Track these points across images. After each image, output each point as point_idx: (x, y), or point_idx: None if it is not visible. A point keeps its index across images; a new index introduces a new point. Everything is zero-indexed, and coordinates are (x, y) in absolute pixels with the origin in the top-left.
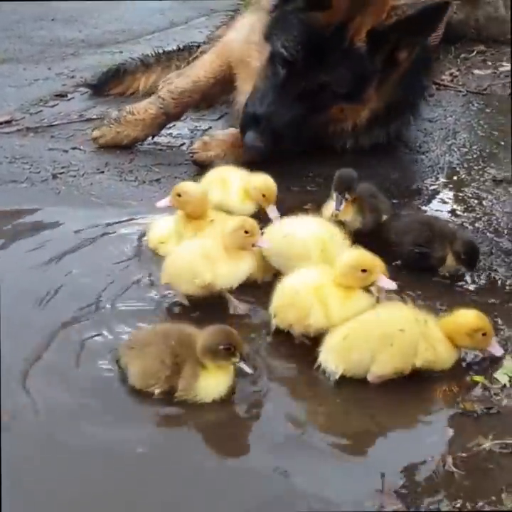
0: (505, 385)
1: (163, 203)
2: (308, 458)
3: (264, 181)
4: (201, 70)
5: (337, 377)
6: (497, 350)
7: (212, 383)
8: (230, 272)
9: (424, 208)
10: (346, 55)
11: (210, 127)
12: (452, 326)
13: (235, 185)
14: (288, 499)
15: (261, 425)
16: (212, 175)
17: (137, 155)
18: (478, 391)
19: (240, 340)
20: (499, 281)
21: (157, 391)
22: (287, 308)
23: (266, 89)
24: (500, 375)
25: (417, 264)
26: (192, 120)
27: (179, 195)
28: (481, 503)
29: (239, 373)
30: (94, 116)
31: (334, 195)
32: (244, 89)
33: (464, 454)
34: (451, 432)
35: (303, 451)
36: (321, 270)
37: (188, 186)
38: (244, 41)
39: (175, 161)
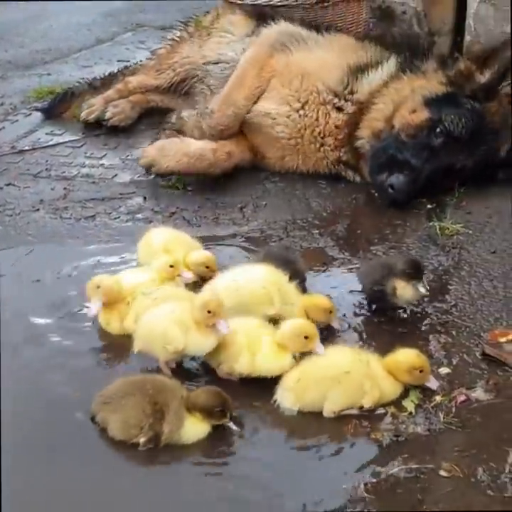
0: (411, 413)
1: (93, 309)
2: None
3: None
4: (240, 94)
5: (295, 413)
6: (433, 384)
7: (197, 426)
8: (199, 340)
9: None
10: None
11: None
12: (393, 365)
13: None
14: None
15: None
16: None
17: (71, 190)
18: (387, 420)
19: (230, 402)
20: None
21: (142, 440)
22: (219, 349)
23: (421, 145)
24: (407, 403)
25: (378, 302)
26: (124, 148)
27: (98, 287)
28: None
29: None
30: (27, 148)
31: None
32: (374, 125)
33: (374, 480)
34: (363, 460)
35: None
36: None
37: (101, 278)
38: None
39: (108, 195)
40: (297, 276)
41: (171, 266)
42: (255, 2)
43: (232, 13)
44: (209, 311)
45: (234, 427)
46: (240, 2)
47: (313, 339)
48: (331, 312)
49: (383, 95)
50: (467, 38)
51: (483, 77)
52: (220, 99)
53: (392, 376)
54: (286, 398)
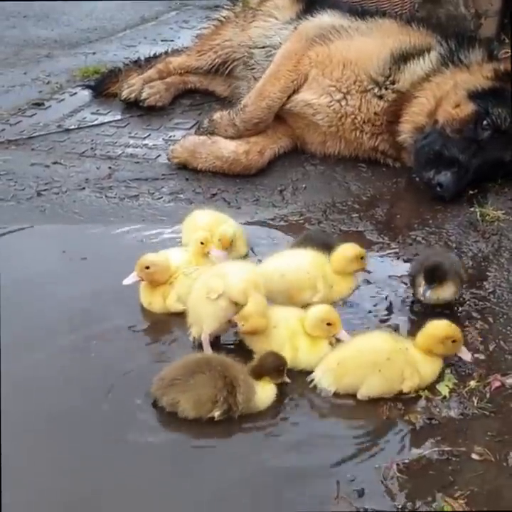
0: (445, 397)
1: (130, 279)
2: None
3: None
4: (275, 87)
5: (330, 394)
6: (466, 356)
7: (267, 391)
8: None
9: None
10: None
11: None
12: (426, 337)
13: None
14: None
15: None
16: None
17: (116, 169)
18: (422, 403)
19: (286, 362)
20: None
21: (217, 413)
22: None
23: (468, 140)
24: (442, 387)
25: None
26: (166, 129)
27: (147, 268)
28: (419, 503)
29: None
30: (72, 127)
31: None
32: (416, 120)
33: (406, 461)
34: (397, 442)
35: None
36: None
37: (153, 258)
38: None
39: (152, 175)
40: None
41: (202, 243)
42: None
43: None
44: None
45: (288, 380)
46: None
47: (336, 325)
48: (362, 258)
49: (425, 89)
50: None
51: None
52: (253, 93)
53: (425, 351)
54: (325, 379)
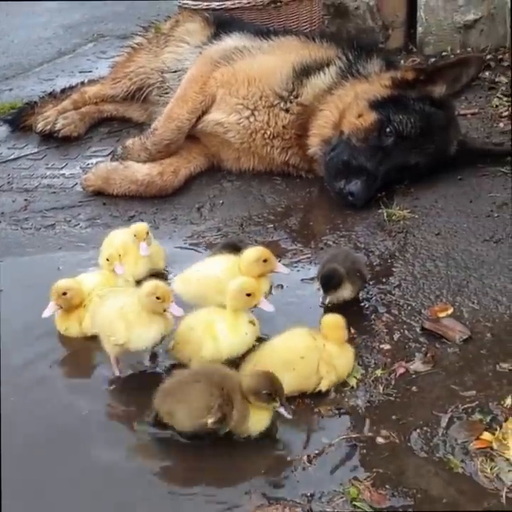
0: (353, 387)
1: (49, 310)
2: None
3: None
4: (183, 109)
5: None
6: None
7: (260, 419)
8: (142, 334)
9: None
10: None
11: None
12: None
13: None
14: None
15: None
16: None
17: (32, 201)
18: (331, 395)
19: (281, 387)
20: None
21: (210, 420)
22: (183, 346)
23: (373, 148)
24: (350, 378)
25: None
26: (84, 158)
27: (64, 294)
28: (328, 490)
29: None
30: None
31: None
32: (323, 133)
33: (317, 451)
34: (306, 434)
35: None
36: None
37: (67, 283)
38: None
39: (68, 203)
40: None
41: (107, 259)
42: (209, 6)
43: (192, 20)
44: (158, 298)
45: (286, 414)
46: (194, 7)
47: (256, 295)
48: (265, 260)
49: (328, 102)
50: (419, 29)
51: (436, 90)
52: (163, 116)
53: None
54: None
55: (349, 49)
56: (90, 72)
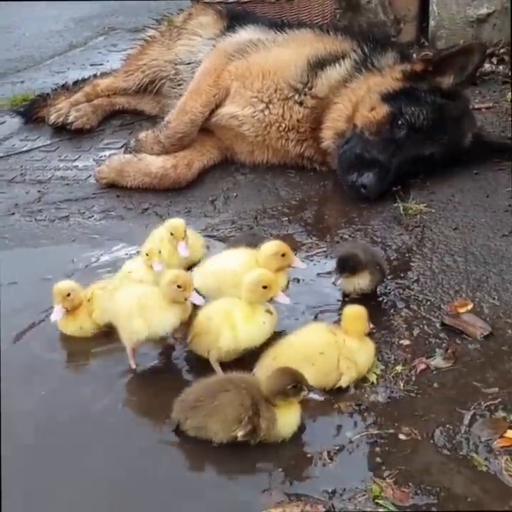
0: (373, 383)
1: (57, 314)
2: None
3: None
4: (197, 102)
5: None
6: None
7: (289, 420)
8: (162, 320)
9: None
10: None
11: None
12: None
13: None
14: None
15: None
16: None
17: (45, 193)
18: (351, 391)
19: (302, 375)
20: None
21: (240, 433)
22: (202, 336)
23: (386, 141)
24: (370, 374)
25: None
26: (97, 150)
27: (68, 295)
28: (349, 487)
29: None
30: (1, 154)
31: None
32: (337, 126)
33: (337, 448)
34: (327, 429)
35: None
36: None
37: (68, 284)
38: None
39: (82, 195)
40: None
41: (147, 254)
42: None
43: (205, 13)
44: (179, 286)
45: (316, 397)
46: (207, 0)
47: (273, 287)
48: (283, 255)
49: (342, 95)
50: (432, 23)
51: (444, 81)
52: (176, 109)
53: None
54: (261, 375)
55: (364, 42)
56: (101, 64)
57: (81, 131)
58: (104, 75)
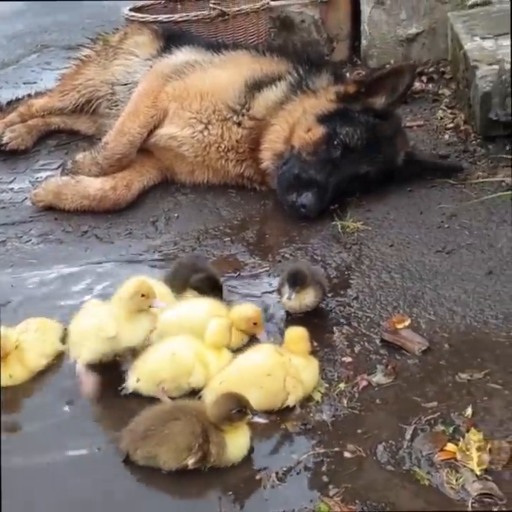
0: (318, 401)
1: None
2: None
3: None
4: (135, 123)
5: None
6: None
7: (238, 444)
8: (131, 331)
9: None
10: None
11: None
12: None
13: None
14: None
15: None
16: None
17: None
18: (297, 410)
19: (246, 399)
20: None
21: (191, 461)
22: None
23: (323, 161)
24: (314, 393)
25: None
26: (32, 171)
27: None
28: (299, 507)
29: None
30: None
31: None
32: (275, 147)
33: (285, 468)
34: (274, 451)
35: None
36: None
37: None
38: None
39: (19, 219)
40: (211, 283)
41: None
42: (157, 18)
43: (140, 33)
44: (143, 295)
45: (261, 420)
46: (141, 20)
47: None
48: (255, 323)
49: (279, 117)
50: (363, 42)
51: (377, 101)
52: (114, 130)
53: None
54: (209, 400)
55: (299, 64)
56: (35, 83)
57: (15, 152)
58: (38, 94)
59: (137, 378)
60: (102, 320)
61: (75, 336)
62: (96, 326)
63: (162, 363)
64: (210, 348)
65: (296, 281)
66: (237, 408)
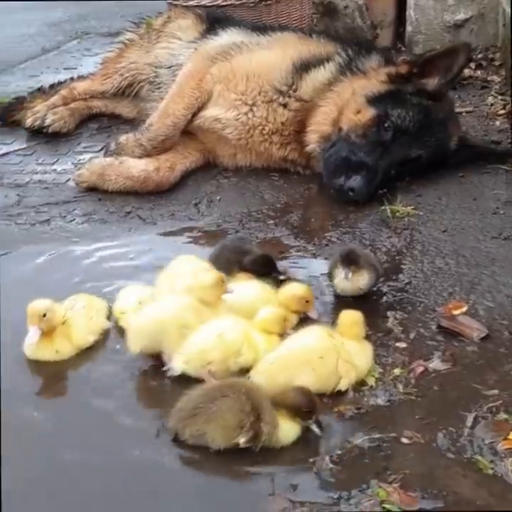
0: (371, 386)
1: (33, 337)
2: None
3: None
4: (179, 105)
5: None
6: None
7: (291, 424)
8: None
9: None
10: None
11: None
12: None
13: None
14: None
15: None
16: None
17: (24, 196)
18: (349, 394)
19: (318, 403)
20: None
21: (242, 440)
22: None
23: (372, 143)
24: (368, 377)
25: None
26: (75, 153)
27: (44, 315)
28: (354, 492)
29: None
30: None
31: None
32: (322, 129)
33: (339, 452)
34: (328, 434)
35: None
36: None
37: (44, 303)
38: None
39: (62, 198)
40: (265, 262)
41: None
42: (199, 3)
43: (184, 17)
44: (307, 301)
45: (317, 430)
46: (185, 4)
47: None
48: (307, 301)
49: (327, 98)
50: (409, 28)
51: (429, 82)
52: (158, 112)
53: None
54: (256, 379)
55: (348, 45)
56: (75, 68)
57: (58, 135)
58: (81, 78)
59: (185, 360)
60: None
61: (151, 329)
62: (182, 324)
63: (209, 344)
64: (259, 330)
65: (351, 261)
66: (307, 408)
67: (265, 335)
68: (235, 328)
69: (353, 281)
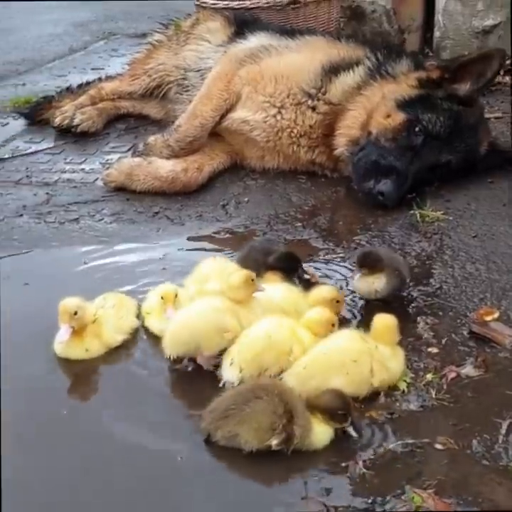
0: (403, 391)
1: (64, 334)
2: None
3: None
4: (207, 106)
5: None
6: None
7: (324, 428)
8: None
9: None
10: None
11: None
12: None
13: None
14: None
15: None
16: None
17: (53, 194)
18: (381, 399)
19: (353, 407)
20: None
21: (275, 442)
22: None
23: (402, 148)
24: (400, 382)
25: None
26: (102, 153)
27: (76, 313)
28: (388, 497)
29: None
30: (6, 156)
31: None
32: (351, 133)
33: (372, 456)
34: (361, 438)
35: None
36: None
37: (75, 302)
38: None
39: (91, 198)
40: (290, 259)
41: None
42: (228, 5)
43: (212, 19)
44: (338, 301)
45: (353, 433)
46: (213, 6)
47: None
48: (338, 302)
49: (356, 102)
50: (436, 33)
51: (461, 87)
52: (186, 113)
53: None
54: (289, 383)
55: (377, 49)
56: (102, 69)
57: (86, 134)
58: (109, 78)
59: (240, 368)
60: (223, 319)
61: (190, 334)
62: (221, 327)
63: (261, 347)
64: (304, 327)
65: (365, 262)
66: (342, 410)
67: (310, 334)
68: (282, 327)
69: (368, 283)
